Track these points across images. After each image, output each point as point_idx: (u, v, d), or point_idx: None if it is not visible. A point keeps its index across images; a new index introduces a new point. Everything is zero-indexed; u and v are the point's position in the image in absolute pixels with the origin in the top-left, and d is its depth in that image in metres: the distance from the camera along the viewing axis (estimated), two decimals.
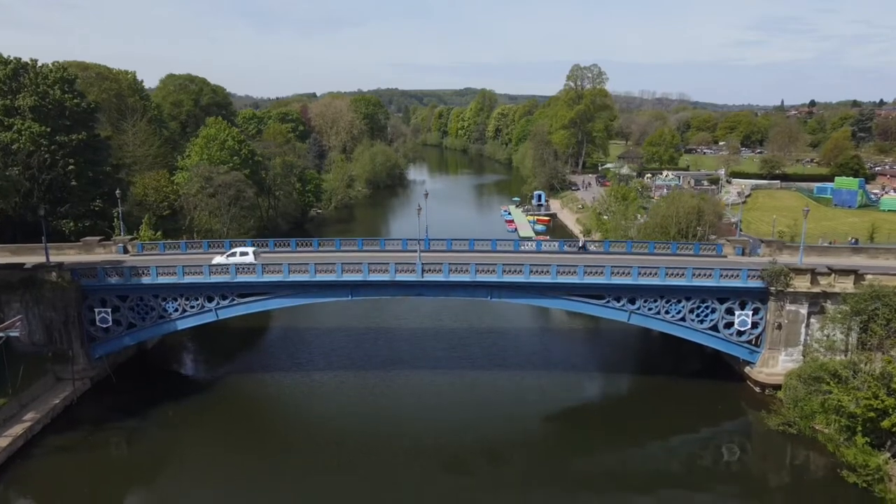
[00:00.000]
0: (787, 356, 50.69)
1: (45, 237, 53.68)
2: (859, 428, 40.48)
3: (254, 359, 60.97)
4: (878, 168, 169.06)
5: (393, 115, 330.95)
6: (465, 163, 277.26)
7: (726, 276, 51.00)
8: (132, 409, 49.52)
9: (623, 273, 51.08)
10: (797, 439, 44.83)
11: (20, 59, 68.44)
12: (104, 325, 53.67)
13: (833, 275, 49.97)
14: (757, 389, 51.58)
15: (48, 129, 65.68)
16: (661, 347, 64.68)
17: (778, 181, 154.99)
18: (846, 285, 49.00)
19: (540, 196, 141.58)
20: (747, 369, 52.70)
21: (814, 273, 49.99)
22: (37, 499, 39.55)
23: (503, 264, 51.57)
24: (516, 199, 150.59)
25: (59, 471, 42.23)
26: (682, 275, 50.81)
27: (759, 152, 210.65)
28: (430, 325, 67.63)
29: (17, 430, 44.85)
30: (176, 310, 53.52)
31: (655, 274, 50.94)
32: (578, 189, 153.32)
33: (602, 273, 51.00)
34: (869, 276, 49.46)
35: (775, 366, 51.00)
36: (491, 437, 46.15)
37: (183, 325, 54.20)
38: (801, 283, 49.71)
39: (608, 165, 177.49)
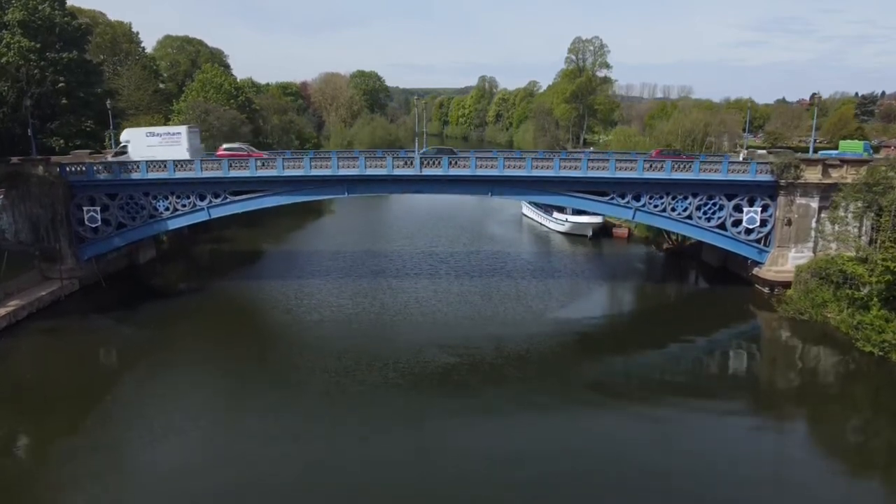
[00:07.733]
0: (797, 253, 49.03)
1: (32, 129, 52.09)
2: (874, 300, 39.05)
3: (246, 273, 59.32)
4: (882, 142, 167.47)
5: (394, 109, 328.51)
6: (465, 147, 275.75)
7: (735, 170, 49.48)
8: (121, 310, 47.95)
9: (628, 167, 49.54)
10: (808, 327, 43.29)
11: None
12: (93, 225, 52.13)
13: (845, 166, 48.44)
14: (766, 290, 49.85)
15: (37, 45, 63.98)
16: (666, 264, 63.32)
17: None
18: (859, 176, 47.34)
19: None
20: (755, 270, 51.01)
21: (825, 164, 48.48)
22: (18, 374, 38.00)
23: (504, 158, 50.00)
24: None
25: (43, 352, 40.95)
26: (689, 168, 49.28)
27: (760, 137, 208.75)
28: (425, 249, 65.99)
29: (1, 312, 43.37)
30: (167, 208, 51.98)
31: (661, 168, 49.38)
32: None
33: (606, 167, 49.46)
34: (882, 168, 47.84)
35: (785, 263, 49.32)
36: (489, 332, 43.65)
37: (174, 224, 52.73)
38: (812, 175, 48.12)
39: (610, 138, 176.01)
